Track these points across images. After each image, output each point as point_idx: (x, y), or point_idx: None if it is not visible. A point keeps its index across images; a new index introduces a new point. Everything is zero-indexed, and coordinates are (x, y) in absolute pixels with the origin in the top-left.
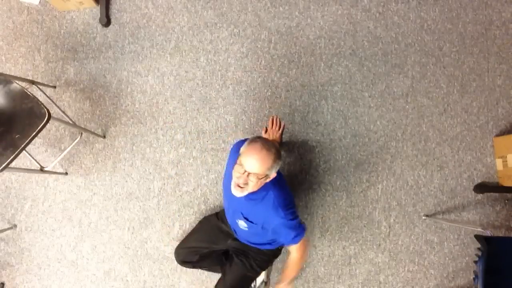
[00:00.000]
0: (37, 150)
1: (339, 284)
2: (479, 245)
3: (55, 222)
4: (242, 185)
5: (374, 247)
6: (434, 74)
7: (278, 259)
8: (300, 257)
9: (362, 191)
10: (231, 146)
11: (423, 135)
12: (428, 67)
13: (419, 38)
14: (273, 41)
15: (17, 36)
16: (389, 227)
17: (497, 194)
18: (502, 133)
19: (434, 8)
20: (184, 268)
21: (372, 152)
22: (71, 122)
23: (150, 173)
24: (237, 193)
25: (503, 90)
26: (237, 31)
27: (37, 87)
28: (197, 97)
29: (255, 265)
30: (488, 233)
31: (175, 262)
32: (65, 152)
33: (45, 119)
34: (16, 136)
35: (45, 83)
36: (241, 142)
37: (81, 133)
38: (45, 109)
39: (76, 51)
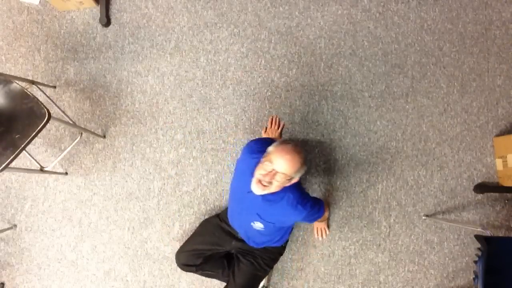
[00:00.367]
0: (37, 150)
1: (339, 284)
2: (479, 245)
3: (55, 222)
4: (266, 183)
5: (374, 247)
6: (434, 74)
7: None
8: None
9: (362, 191)
10: (245, 146)
11: (423, 135)
12: (428, 67)
13: (419, 38)
14: (273, 41)
15: (17, 36)
16: (389, 227)
17: (497, 194)
18: (502, 133)
19: (434, 8)
20: None
21: (372, 152)
22: (71, 122)
23: (150, 173)
24: (258, 190)
25: (503, 90)
26: (237, 31)
27: (37, 87)
28: (197, 97)
29: (263, 264)
30: (488, 233)
31: (175, 262)
32: (65, 152)
33: (45, 119)
34: (16, 136)
35: (45, 83)
36: (258, 142)
37: (81, 133)
38: (45, 109)
39: (76, 51)
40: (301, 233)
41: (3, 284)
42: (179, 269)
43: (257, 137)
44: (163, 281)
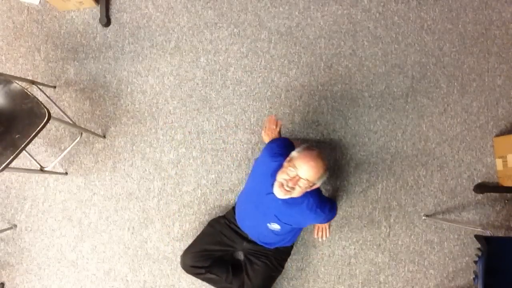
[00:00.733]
0: (37, 150)
1: (339, 284)
2: (479, 245)
3: (55, 222)
4: (288, 189)
5: (374, 247)
6: (434, 74)
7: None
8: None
9: (362, 191)
10: (266, 147)
11: (423, 135)
12: (428, 67)
13: (419, 38)
14: (273, 41)
15: (17, 36)
16: (389, 227)
17: (497, 194)
18: (502, 133)
19: (434, 8)
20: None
21: (372, 152)
22: (71, 122)
23: (150, 173)
24: (281, 194)
25: (503, 90)
26: (237, 31)
27: (37, 87)
28: (197, 97)
29: (277, 264)
30: (488, 233)
31: (175, 262)
32: (65, 152)
33: (45, 119)
34: (16, 136)
35: (45, 83)
36: (280, 145)
37: (81, 133)
38: (45, 109)
39: (76, 51)
40: (301, 233)
41: (3, 284)
42: (179, 269)
43: (277, 138)
44: (163, 281)
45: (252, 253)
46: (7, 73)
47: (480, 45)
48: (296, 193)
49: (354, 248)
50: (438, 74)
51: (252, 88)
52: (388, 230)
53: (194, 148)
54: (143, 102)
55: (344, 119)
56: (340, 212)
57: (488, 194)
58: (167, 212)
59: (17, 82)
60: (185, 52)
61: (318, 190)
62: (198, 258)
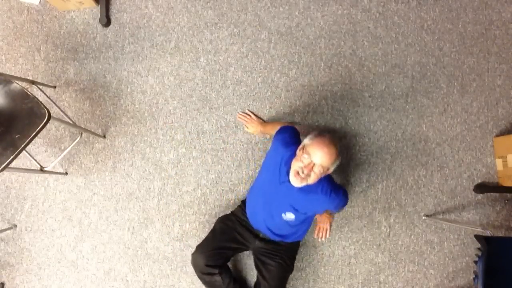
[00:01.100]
0: (37, 150)
1: (339, 284)
2: (479, 245)
3: (55, 222)
4: (304, 176)
5: (374, 247)
6: (434, 74)
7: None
8: None
9: (362, 191)
10: (275, 137)
11: (423, 135)
12: (428, 67)
13: (419, 38)
14: (273, 41)
15: (17, 36)
16: (389, 227)
17: (497, 194)
18: (502, 133)
19: (434, 8)
20: (184, 268)
21: (372, 152)
22: (71, 122)
23: (150, 173)
24: (297, 182)
25: (503, 90)
26: (237, 31)
27: (37, 87)
28: (197, 97)
29: (290, 264)
30: (488, 233)
31: (175, 262)
32: (65, 152)
33: (45, 119)
34: (16, 136)
35: (45, 83)
36: (292, 134)
37: (81, 133)
38: (45, 109)
39: (76, 51)
40: None
41: (3, 284)
42: (179, 269)
43: (286, 127)
44: (163, 281)
45: (263, 252)
46: (7, 73)
47: (480, 45)
48: (312, 179)
49: (354, 248)
50: (438, 74)
51: (252, 88)
52: (388, 230)
53: (194, 148)
54: (143, 102)
55: (344, 119)
56: (340, 212)
57: (488, 194)
58: (167, 212)
59: (17, 82)
60: (185, 52)
61: (330, 176)
62: (213, 256)
